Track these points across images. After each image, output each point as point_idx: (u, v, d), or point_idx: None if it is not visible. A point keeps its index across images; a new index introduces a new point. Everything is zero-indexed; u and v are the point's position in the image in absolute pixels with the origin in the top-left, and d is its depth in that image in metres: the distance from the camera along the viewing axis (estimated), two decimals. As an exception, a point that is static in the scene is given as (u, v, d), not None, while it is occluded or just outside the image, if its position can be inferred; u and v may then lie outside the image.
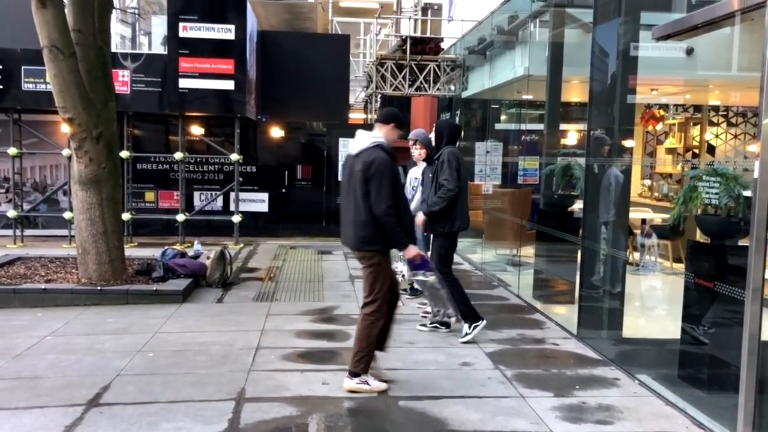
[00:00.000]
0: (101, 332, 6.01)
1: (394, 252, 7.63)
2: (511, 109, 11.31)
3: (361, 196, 4.48)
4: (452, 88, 13.61)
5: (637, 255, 8.26)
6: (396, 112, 4.85)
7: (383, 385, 4.62)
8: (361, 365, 4.57)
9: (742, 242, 4.23)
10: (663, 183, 11.73)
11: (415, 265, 4.85)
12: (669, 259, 8.29)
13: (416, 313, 6.74)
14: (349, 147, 4.70)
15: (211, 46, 10.81)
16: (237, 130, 11.33)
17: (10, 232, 11.09)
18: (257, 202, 12.53)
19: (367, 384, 4.57)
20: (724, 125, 12.11)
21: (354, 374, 4.58)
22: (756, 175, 3.60)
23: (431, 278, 4.97)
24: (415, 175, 7.42)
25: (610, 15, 5.89)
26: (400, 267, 7.76)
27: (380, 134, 4.66)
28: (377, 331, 4.60)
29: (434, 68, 13.59)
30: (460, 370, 5.13)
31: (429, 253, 6.05)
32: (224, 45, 10.84)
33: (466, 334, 5.81)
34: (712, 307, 4.43)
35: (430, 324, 6.16)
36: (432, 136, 6.37)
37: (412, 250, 4.70)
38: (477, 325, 5.84)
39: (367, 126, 14.92)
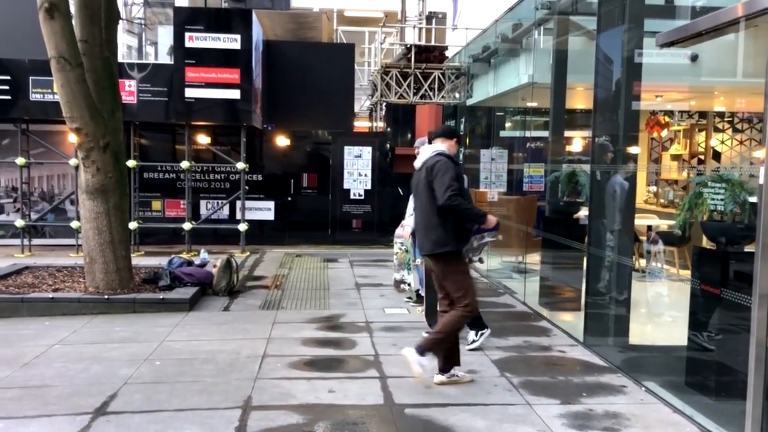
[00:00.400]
0: (108, 341, 6.03)
1: (400, 259, 7.72)
2: (516, 117, 11.31)
3: (428, 199, 4.69)
4: (457, 95, 13.65)
5: (643, 261, 8.23)
6: (456, 129, 4.98)
7: (420, 371, 4.63)
8: (430, 346, 4.69)
9: (748, 248, 4.22)
10: (668, 189, 11.71)
11: (486, 229, 4.94)
12: (675, 265, 8.26)
13: (422, 320, 6.73)
14: (415, 164, 4.96)
15: (217, 55, 10.88)
16: (243, 138, 11.39)
17: (17, 241, 11.16)
18: (263, 210, 12.56)
19: (421, 367, 4.62)
20: (729, 131, 12.10)
21: (421, 350, 4.64)
22: (762, 180, 3.59)
23: (499, 237, 5.12)
24: None
25: (614, 22, 5.90)
26: (406, 277, 7.77)
27: (443, 147, 4.88)
28: (463, 324, 4.83)
29: (439, 76, 13.65)
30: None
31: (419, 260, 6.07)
32: (230, 55, 10.90)
33: (473, 341, 5.81)
34: (719, 314, 4.42)
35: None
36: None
37: (492, 219, 4.86)
38: (483, 333, 5.86)
39: (370, 133, 14.99)
